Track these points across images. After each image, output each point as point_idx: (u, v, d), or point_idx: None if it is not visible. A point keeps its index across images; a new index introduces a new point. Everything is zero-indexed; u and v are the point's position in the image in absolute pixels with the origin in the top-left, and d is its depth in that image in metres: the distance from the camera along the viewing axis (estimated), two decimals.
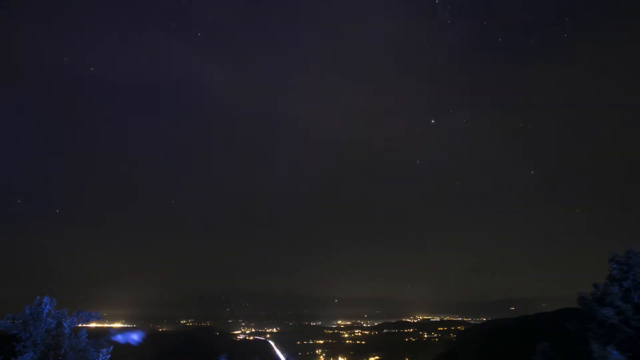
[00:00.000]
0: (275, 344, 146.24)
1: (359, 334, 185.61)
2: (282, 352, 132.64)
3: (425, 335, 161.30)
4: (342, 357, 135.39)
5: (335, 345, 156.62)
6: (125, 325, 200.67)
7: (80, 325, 18.50)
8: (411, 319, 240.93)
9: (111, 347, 18.49)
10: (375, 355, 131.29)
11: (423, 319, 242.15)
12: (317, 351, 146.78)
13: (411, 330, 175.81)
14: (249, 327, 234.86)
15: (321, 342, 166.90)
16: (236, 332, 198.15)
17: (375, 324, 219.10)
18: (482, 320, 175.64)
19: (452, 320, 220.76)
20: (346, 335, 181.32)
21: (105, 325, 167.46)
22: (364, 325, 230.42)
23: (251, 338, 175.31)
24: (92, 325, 22.56)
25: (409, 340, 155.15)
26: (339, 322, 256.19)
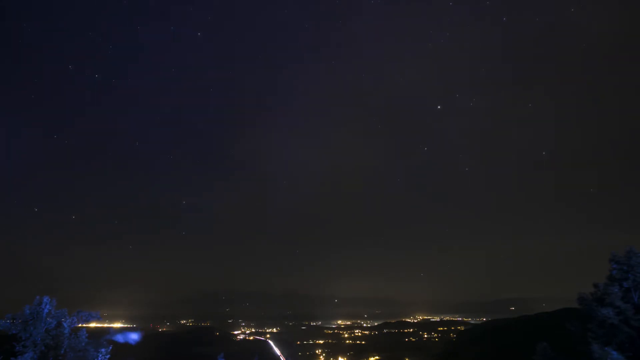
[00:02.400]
0: (275, 344, 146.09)
1: (359, 334, 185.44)
2: (282, 352, 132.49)
3: (425, 335, 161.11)
4: (342, 357, 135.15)
5: (335, 345, 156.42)
6: (126, 325, 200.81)
7: (80, 325, 18.49)
8: (411, 319, 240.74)
9: (110, 347, 18.49)
10: (375, 355, 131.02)
11: (423, 319, 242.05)
12: (317, 351, 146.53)
13: (411, 330, 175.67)
14: (249, 327, 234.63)
15: (321, 342, 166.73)
16: (236, 332, 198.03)
17: (375, 324, 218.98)
18: (482, 320, 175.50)
19: (452, 320, 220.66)
20: (346, 335, 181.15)
21: (106, 325, 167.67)
22: (364, 325, 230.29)
23: (251, 338, 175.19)
24: (92, 325, 22.55)
25: (409, 340, 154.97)
26: (339, 322, 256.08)
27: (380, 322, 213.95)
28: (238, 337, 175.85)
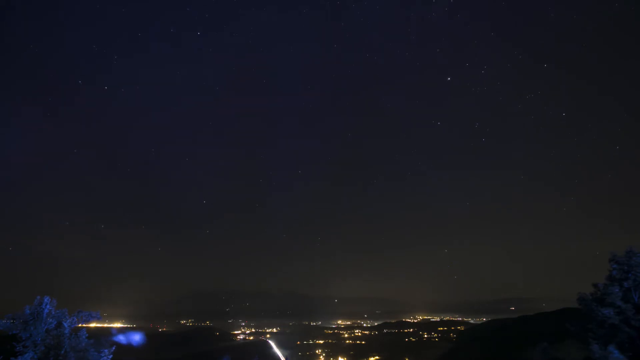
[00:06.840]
0: (275, 344, 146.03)
1: (359, 334, 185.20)
2: (282, 352, 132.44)
3: (425, 335, 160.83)
4: (342, 357, 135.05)
5: (335, 345, 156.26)
6: (126, 325, 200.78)
7: (80, 325, 18.48)
8: (411, 319, 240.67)
9: (113, 347, 18.49)
10: (375, 356, 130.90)
11: (423, 319, 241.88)
12: (317, 351, 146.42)
13: (411, 330, 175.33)
14: (249, 327, 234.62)
15: (321, 342, 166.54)
16: (236, 332, 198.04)
17: (375, 324, 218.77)
18: (482, 320, 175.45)
19: (452, 320, 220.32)
20: (346, 335, 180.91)
21: (106, 325, 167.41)
22: (364, 325, 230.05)
23: (251, 338, 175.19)
24: (93, 325, 22.53)
25: (409, 340, 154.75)
26: (339, 322, 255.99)
27: (380, 322, 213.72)
28: (238, 337, 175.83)
